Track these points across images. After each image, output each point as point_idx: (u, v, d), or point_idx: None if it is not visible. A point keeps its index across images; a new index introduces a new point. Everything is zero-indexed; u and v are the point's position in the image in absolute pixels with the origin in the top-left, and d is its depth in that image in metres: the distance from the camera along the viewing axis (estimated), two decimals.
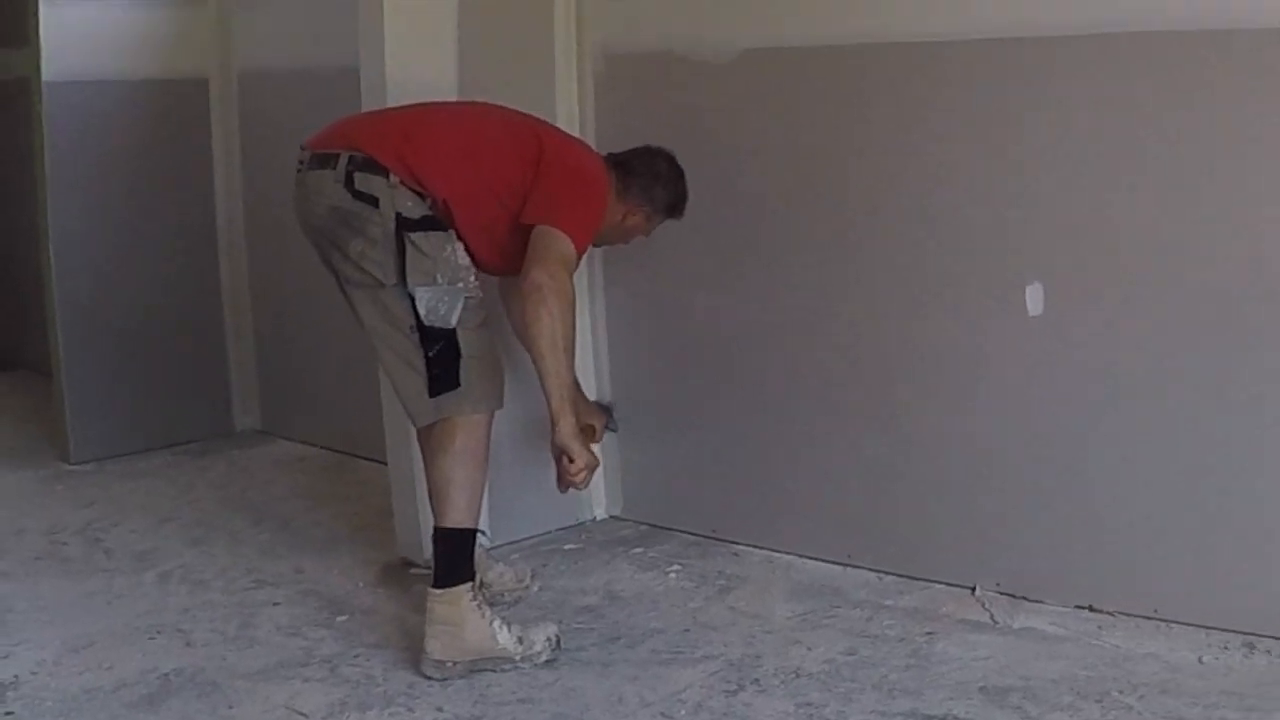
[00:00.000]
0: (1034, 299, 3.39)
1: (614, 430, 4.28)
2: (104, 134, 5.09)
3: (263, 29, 5.30)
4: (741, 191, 3.97)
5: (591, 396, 4.26)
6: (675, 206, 3.68)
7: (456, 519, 3.21)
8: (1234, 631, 3.12)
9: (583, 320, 4.22)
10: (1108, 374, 3.36)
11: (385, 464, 4.11)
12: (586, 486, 3.52)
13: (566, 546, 4.05)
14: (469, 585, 3.18)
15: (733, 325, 4.03)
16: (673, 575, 3.83)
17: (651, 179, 3.62)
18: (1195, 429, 3.24)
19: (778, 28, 3.83)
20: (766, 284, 3.96)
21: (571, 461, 3.35)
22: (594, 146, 4.16)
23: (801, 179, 3.85)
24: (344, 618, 3.51)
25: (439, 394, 3.26)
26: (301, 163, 3.35)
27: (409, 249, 3.26)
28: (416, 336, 3.27)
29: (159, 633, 3.41)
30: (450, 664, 3.08)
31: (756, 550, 3.97)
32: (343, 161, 3.25)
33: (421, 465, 3.62)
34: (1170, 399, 3.28)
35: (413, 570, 3.84)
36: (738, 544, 4.03)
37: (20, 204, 5.71)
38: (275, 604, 3.64)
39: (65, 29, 4.92)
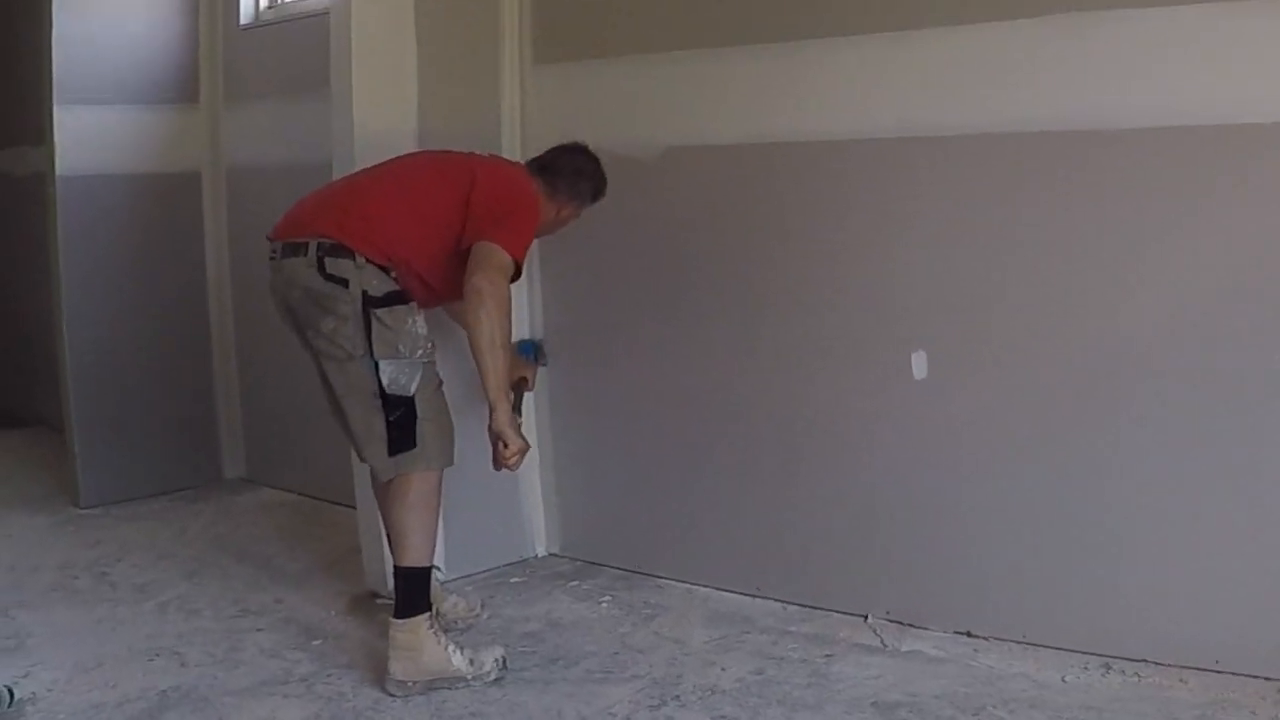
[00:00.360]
0: (919, 365, 3.53)
1: (544, 366, 4.29)
2: (110, 221, 5.20)
3: (248, 130, 5.44)
4: (666, 268, 4.08)
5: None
6: (599, 193, 3.71)
7: (413, 559, 3.32)
8: (1093, 654, 3.26)
9: (529, 398, 4.29)
10: (982, 431, 3.49)
11: (354, 508, 4.16)
12: (518, 469, 3.51)
13: (512, 580, 4.13)
14: (426, 615, 3.30)
15: (657, 388, 4.11)
16: (604, 605, 3.91)
17: (575, 175, 3.67)
18: (1056, 480, 3.36)
19: (697, 128, 3.97)
20: (688, 350, 4.04)
21: (506, 447, 3.39)
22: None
23: (719, 256, 3.96)
24: (318, 642, 3.60)
25: (397, 453, 3.34)
26: (274, 253, 3.41)
27: (375, 324, 3.32)
28: (379, 403, 3.34)
29: (157, 655, 3.50)
30: (411, 683, 3.19)
31: (677, 583, 4.05)
32: (312, 249, 3.31)
33: (375, 504, 3.73)
34: (1035, 453, 3.41)
35: (378, 601, 3.88)
36: (661, 578, 4.11)
37: (37, 283, 5.79)
38: (259, 630, 3.71)
39: (77, 130, 5.07)
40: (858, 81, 3.64)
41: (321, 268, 3.31)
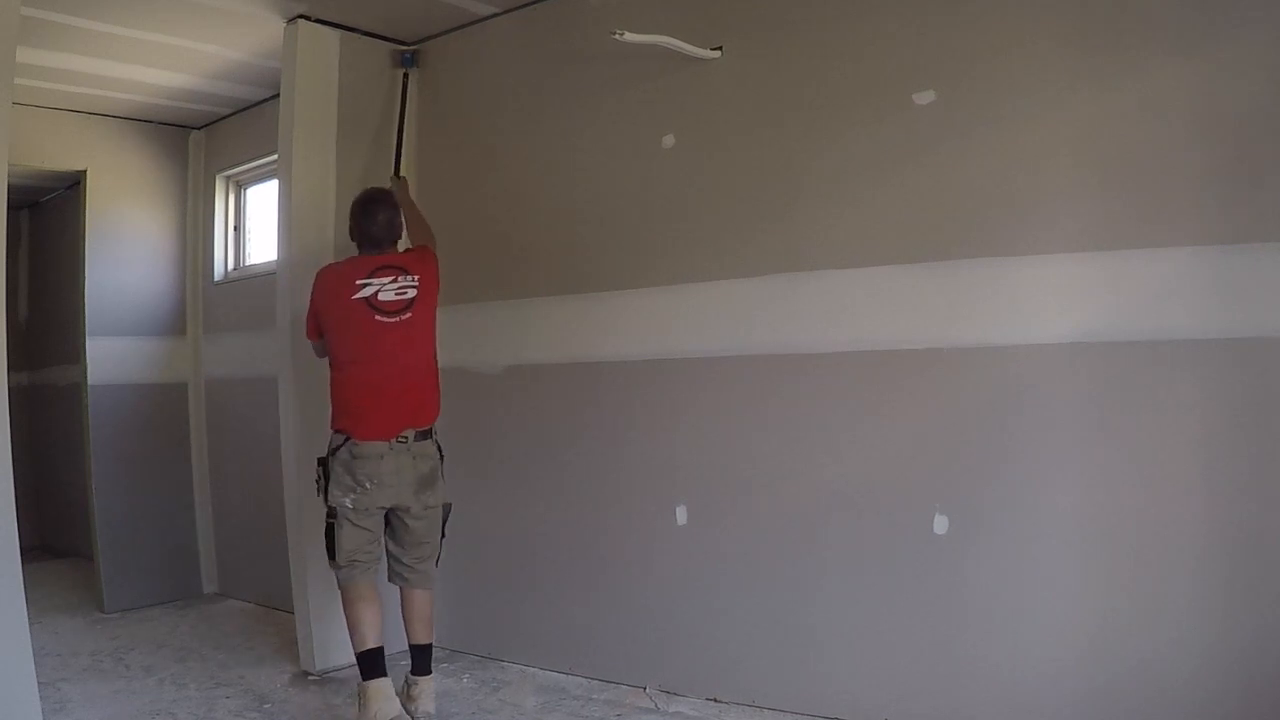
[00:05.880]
0: (680, 514, 3.81)
1: (416, 67, 4.41)
2: (125, 414, 5.61)
3: (219, 354, 5.82)
4: (509, 445, 4.31)
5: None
6: (354, 216, 3.73)
7: (433, 637, 3.67)
8: (801, 713, 3.51)
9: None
10: (724, 556, 3.71)
11: (292, 613, 4.40)
12: None
13: (401, 663, 3.98)
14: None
15: (501, 531, 4.31)
16: (465, 680, 4.13)
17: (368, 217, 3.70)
18: (777, 589, 3.57)
19: (525, 353, 4.27)
20: (521, 502, 4.26)
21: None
22: None
23: (544, 436, 4.21)
24: (269, 705, 3.86)
25: (437, 565, 3.69)
26: (404, 438, 3.53)
27: (443, 470, 3.70)
28: (441, 528, 3.69)
29: (157, 715, 3.76)
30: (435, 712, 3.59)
31: (515, 665, 4.28)
32: (433, 432, 3.63)
33: (307, 611, 4.10)
34: (762, 571, 3.61)
35: (309, 677, 4.13)
36: (504, 661, 4.32)
37: (74, 459, 6.13)
38: (228, 697, 3.94)
39: (102, 353, 5.52)
40: (644, 319, 3.89)
41: (437, 443, 3.68)
